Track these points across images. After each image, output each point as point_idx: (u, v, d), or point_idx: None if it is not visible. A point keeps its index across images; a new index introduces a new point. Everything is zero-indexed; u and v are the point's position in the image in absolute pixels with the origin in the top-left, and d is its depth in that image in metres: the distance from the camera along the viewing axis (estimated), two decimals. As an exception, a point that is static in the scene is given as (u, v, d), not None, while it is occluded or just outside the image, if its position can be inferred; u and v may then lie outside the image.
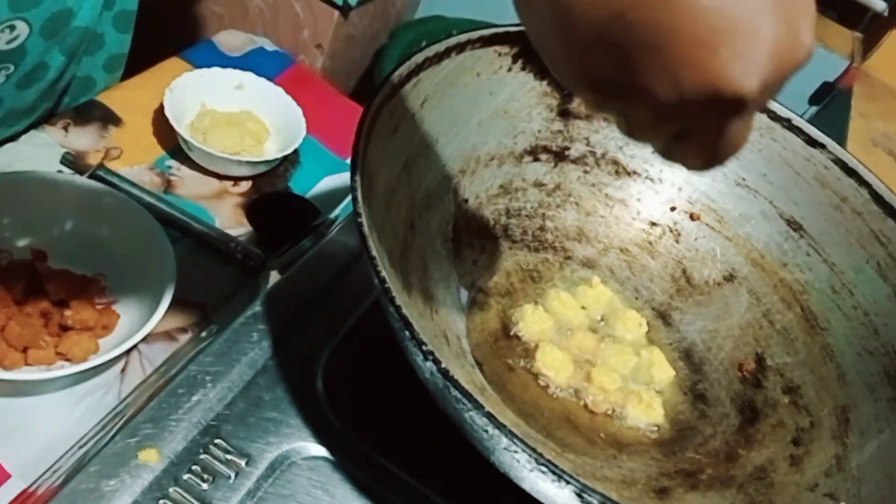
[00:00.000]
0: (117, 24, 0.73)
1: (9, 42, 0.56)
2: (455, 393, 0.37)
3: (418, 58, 0.49)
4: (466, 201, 0.58)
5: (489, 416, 0.36)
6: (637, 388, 0.54)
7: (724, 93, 0.25)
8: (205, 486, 0.44)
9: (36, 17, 0.57)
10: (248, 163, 0.73)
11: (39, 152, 0.69)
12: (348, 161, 0.43)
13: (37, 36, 0.58)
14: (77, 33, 0.64)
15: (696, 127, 0.28)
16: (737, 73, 0.25)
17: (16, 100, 0.63)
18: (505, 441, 0.37)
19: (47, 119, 0.71)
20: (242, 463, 0.46)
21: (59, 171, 0.66)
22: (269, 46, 0.94)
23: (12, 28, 0.56)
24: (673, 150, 0.30)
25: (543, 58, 0.30)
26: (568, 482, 0.36)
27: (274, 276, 0.63)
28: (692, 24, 0.24)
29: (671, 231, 0.62)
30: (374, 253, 0.39)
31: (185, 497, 0.43)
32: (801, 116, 0.58)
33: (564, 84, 0.31)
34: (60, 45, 0.63)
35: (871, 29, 1.17)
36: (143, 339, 0.54)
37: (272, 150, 0.78)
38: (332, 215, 0.72)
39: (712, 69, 0.25)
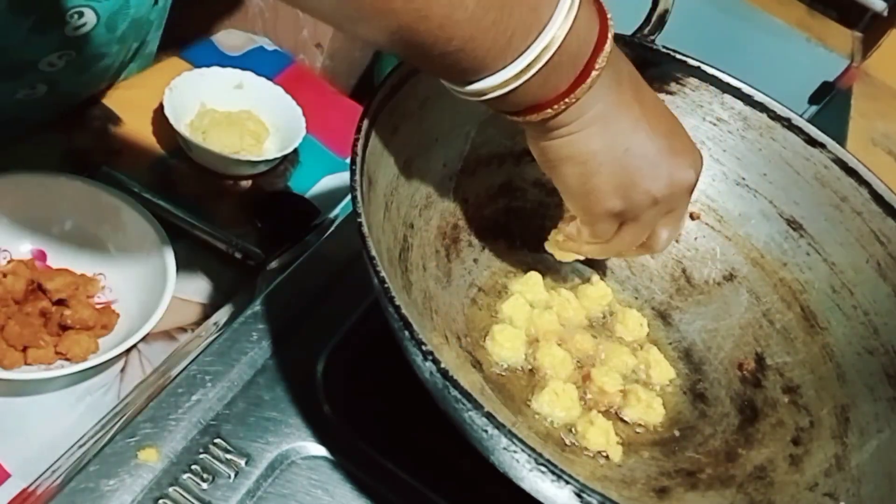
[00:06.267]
0: (159, 19, 0.73)
1: (76, 28, 0.57)
2: (455, 393, 0.37)
3: (418, 57, 0.49)
4: (466, 201, 0.58)
5: (489, 415, 0.36)
6: (637, 388, 0.54)
7: (687, 182, 0.48)
8: (204, 485, 0.44)
9: (104, 8, 0.57)
10: (247, 162, 0.73)
11: (39, 152, 0.69)
12: (348, 161, 0.43)
13: (102, 27, 0.58)
14: (132, 24, 0.64)
15: (644, 219, 0.48)
16: (692, 174, 0.48)
17: (73, 84, 0.64)
18: (504, 441, 0.37)
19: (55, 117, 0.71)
20: (242, 462, 0.46)
21: (59, 172, 0.66)
22: (269, 46, 0.94)
23: (81, 15, 0.56)
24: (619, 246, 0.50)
25: (566, 197, 0.49)
26: (567, 482, 0.36)
27: (274, 276, 0.63)
28: (678, 155, 0.47)
29: (671, 231, 0.62)
30: (374, 253, 0.39)
31: (184, 497, 0.43)
32: (800, 116, 0.58)
33: (580, 211, 0.49)
34: (118, 36, 0.63)
35: (870, 28, 1.17)
36: (143, 339, 0.54)
37: (272, 149, 0.77)
38: (332, 215, 0.73)
39: (684, 174, 0.47)
